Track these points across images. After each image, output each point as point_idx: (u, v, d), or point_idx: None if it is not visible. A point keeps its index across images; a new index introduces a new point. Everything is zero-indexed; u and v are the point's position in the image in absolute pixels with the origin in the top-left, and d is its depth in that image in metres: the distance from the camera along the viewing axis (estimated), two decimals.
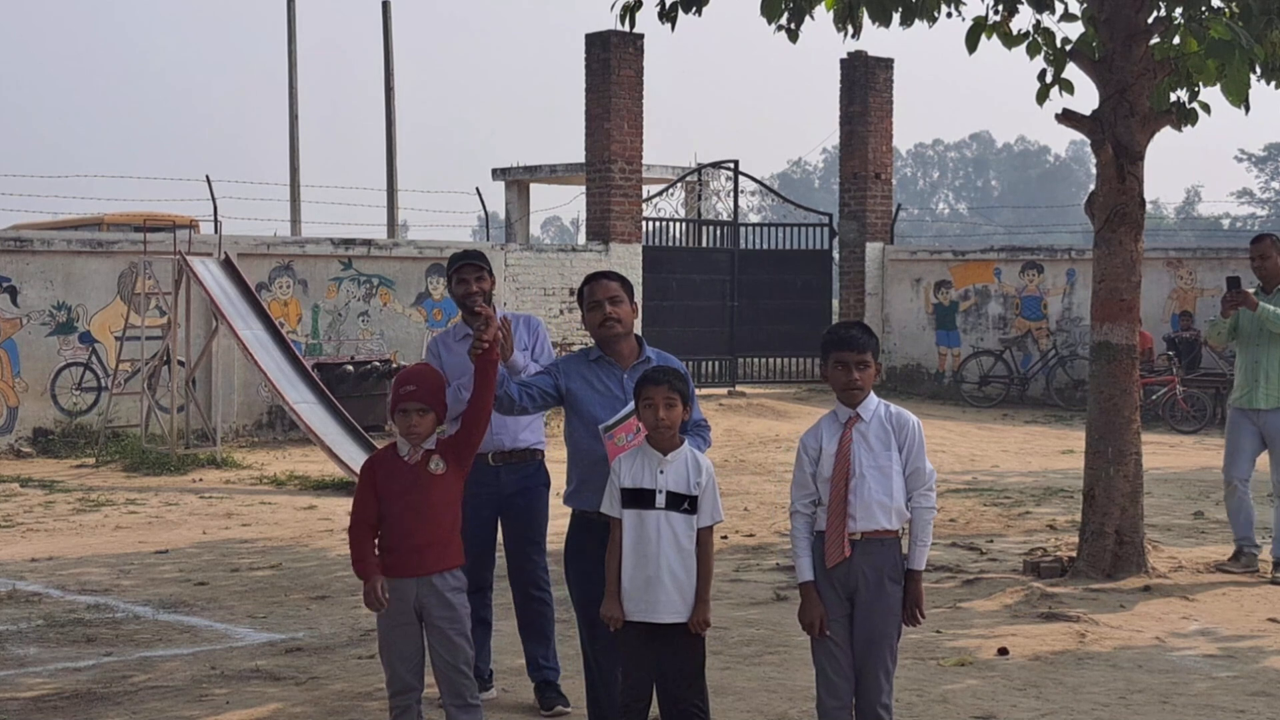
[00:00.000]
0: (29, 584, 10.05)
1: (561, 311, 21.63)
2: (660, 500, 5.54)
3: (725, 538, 11.38)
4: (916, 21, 10.26)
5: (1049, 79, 10.50)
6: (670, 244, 24.08)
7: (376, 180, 73.67)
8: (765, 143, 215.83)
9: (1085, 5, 10.33)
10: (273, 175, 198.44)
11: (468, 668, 5.86)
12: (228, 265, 17.41)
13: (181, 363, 17.17)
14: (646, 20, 20.62)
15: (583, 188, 24.05)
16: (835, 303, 25.90)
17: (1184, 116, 10.29)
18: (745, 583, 9.99)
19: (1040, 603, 9.10)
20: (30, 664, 7.90)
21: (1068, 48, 10.39)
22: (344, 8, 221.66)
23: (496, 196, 31.86)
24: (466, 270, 7.10)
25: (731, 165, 25.40)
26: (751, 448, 18.18)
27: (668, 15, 10.31)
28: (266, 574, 10.45)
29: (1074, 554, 10.05)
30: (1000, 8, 10.42)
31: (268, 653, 8.13)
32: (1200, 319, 21.42)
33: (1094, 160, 10.39)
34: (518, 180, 31.38)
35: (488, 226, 28.70)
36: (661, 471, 5.57)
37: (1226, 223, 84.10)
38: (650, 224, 23.40)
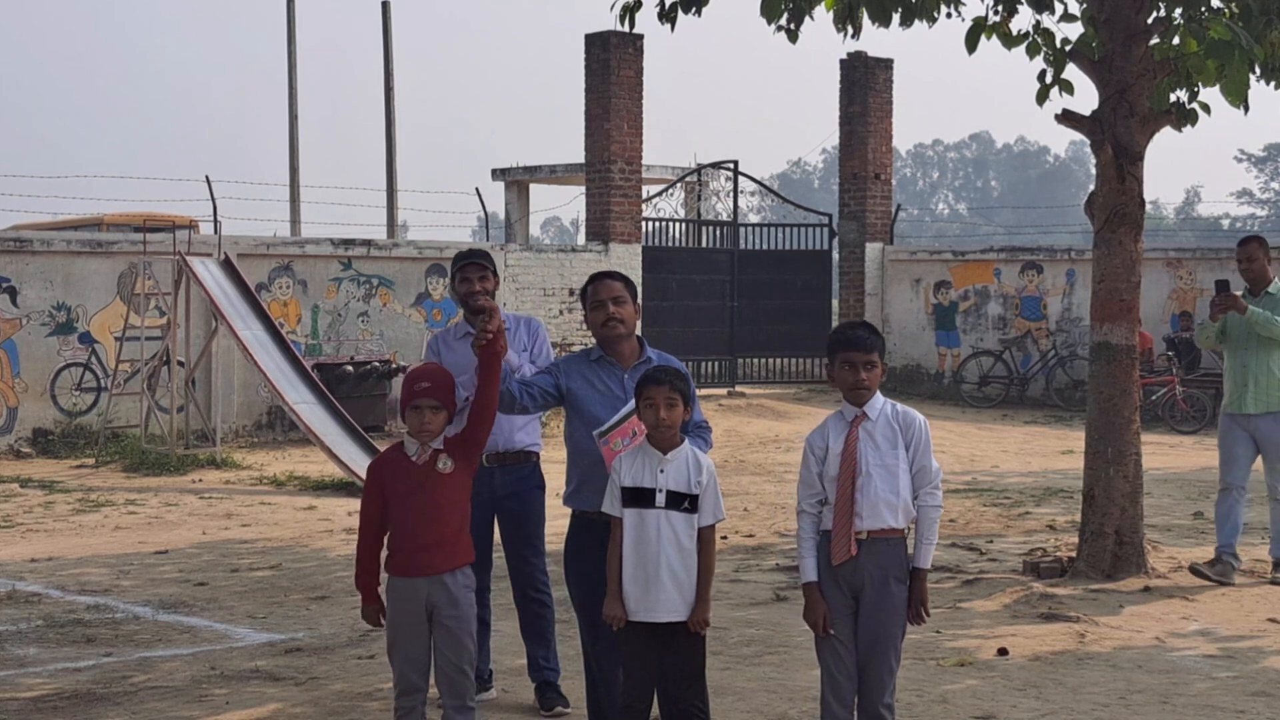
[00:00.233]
0: (29, 584, 10.05)
1: (561, 312, 21.63)
2: (660, 499, 5.54)
3: (725, 538, 11.37)
4: (916, 22, 10.26)
5: (1049, 79, 10.49)
6: (670, 244, 24.07)
7: (376, 180, 73.78)
8: (765, 143, 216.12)
9: (1085, 5, 10.33)
10: (272, 175, 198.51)
11: (470, 669, 5.86)
12: (227, 265, 17.41)
13: (181, 363, 17.17)
14: (646, 21, 20.59)
15: (582, 188, 24.04)
16: (835, 303, 25.88)
17: (1184, 117, 10.28)
18: (745, 583, 9.99)
19: (1040, 603, 9.10)
20: (30, 664, 7.90)
21: (1067, 48, 10.39)
22: (344, 8, 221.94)
23: (496, 197, 31.85)
24: (470, 269, 7.11)
25: (731, 165, 25.39)
26: (751, 448, 18.17)
27: (667, 16, 10.31)
28: (266, 574, 10.45)
29: (1074, 554, 10.04)
30: (1000, 8, 10.42)
31: (267, 653, 8.12)
32: (1200, 319, 21.41)
33: (1094, 160, 10.39)
34: (517, 180, 31.36)
35: (487, 227, 28.69)
36: (662, 470, 5.56)
37: (1226, 223, 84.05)
38: (650, 224, 23.39)
